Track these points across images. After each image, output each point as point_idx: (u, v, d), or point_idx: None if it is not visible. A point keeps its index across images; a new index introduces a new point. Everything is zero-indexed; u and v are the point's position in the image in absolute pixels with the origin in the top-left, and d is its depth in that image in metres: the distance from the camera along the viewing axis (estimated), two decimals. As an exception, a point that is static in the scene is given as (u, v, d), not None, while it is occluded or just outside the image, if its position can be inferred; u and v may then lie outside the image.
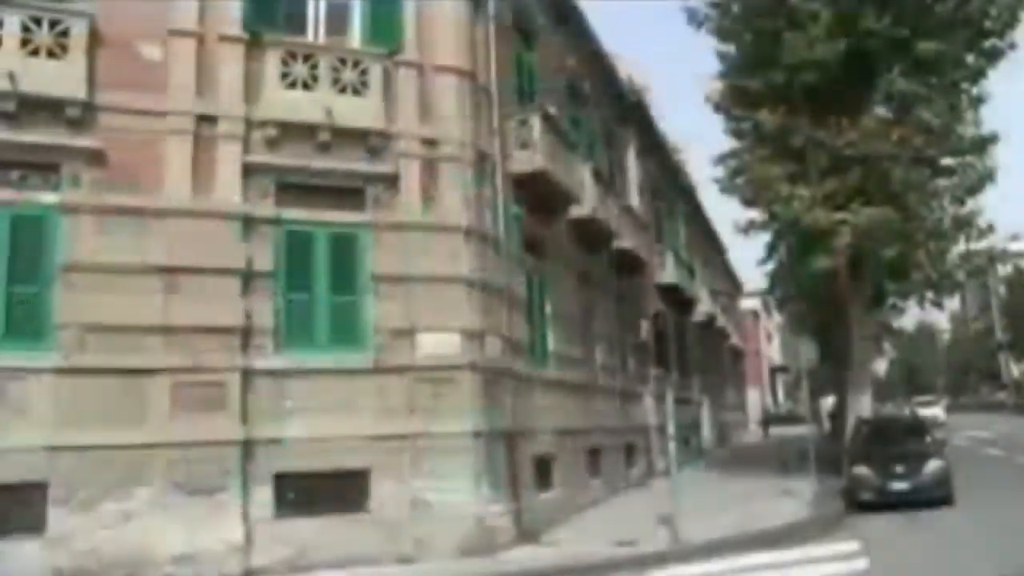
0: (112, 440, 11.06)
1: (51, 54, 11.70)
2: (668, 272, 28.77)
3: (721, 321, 42.32)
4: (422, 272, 13.12)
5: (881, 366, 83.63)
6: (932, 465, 15.93)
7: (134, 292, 11.57)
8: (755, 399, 65.18)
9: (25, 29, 11.62)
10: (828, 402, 35.85)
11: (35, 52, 11.62)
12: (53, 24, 11.74)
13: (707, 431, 35.70)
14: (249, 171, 12.50)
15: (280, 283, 12.54)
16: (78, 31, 11.84)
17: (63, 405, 11.05)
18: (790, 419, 52.56)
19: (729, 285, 53.65)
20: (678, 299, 30.07)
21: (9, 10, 11.61)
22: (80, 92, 11.71)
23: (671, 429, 14.33)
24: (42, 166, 11.72)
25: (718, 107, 22.61)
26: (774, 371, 79.81)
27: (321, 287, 12.83)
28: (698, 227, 40.65)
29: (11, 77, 11.35)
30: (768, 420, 54.77)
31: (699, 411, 34.16)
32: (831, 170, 19.24)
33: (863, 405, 21.26)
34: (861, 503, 15.85)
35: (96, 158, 11.76)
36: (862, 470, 16.18)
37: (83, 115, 11.77)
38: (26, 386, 11.04)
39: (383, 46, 13.75)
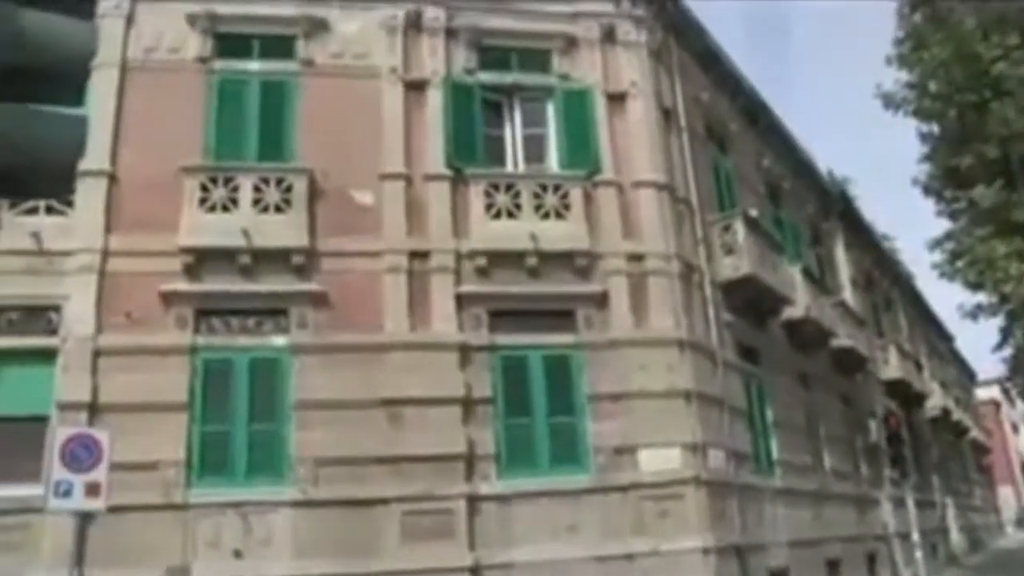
0: (347, 569, 11.38)
1: (278, 209, 12.77)
2: (892, 367, 27.16)
3: (957, 414, 39.27)
4: (638, 388, 13.00)
5: None
6: None
7: (361, 425, 12.08)
8: (1008, 497, 59.61)
9: (256, 190, 12.76)
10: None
11: (265, 209, 12.73)
12: (279, 182, 12.85)
13: (955, 536, 32.79)
14: (462, 301, 12.96)
15: (499, 408, 12.75)
16: (299, 186, 12.89)
17: (301, 536, 11.54)
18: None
19: (961, 374, 49.97)
20: (906, 394, 28.26)
21: (243, 174, 12.81)
22: (303, 241, 12.67)
23: (915, 536, 13.26)
24: (273, 311, 12.64)
25: (927, 189, 21.55)
26: (1027, 465, 72.92)
27: (539, 409, 12.91)
28: (919, 316, 38.36)
29: (246, 233, 12.41)
30: None
31: (944, 514, 31.51)
32: (1066, 241, 17.78)
33: None
34: None
35: (320, 300, 12.58)
36: None
37: (307, 262, 12.68)
38: (268, 519, 11.64)
39: (581, 168, 14.10)
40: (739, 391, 15.40)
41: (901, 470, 21.41)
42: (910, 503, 13.82)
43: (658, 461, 12.68)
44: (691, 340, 13.70)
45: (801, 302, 18.27)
